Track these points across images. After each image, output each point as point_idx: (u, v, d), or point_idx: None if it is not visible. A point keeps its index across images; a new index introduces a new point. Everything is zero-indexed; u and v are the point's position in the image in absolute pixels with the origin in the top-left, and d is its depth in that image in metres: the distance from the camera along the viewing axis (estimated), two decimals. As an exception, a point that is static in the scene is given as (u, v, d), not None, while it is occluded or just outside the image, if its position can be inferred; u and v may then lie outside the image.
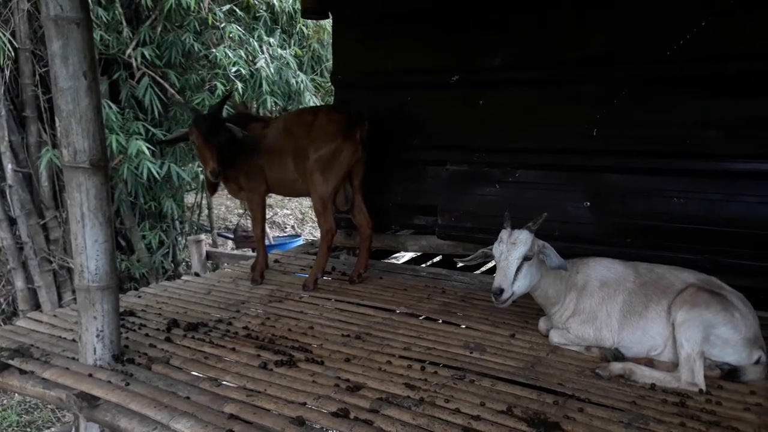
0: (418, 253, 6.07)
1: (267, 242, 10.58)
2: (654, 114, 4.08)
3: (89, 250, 3.03)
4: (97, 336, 3.09)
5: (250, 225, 12.36)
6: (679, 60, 3.95)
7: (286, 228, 13.10)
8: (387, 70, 5.19)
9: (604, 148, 4.24)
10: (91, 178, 2.99)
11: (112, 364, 3.12)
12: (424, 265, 5.68)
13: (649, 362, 3.11)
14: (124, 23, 8.41)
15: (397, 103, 5.15)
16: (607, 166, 4.25)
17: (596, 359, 3.20)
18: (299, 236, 11.10)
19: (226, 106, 8.53)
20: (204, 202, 10.72)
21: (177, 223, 9.99)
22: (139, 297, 4.37)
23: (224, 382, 2.96)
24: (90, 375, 3.01)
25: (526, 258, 3.10)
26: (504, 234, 3.17)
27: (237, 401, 2.75)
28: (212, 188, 4.54)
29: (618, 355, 3.18)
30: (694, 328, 2.93)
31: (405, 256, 6.75)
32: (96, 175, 3.00)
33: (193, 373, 3.08)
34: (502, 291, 3.05)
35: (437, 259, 6.17)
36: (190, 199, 10.79)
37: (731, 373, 2.97)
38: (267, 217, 13.29)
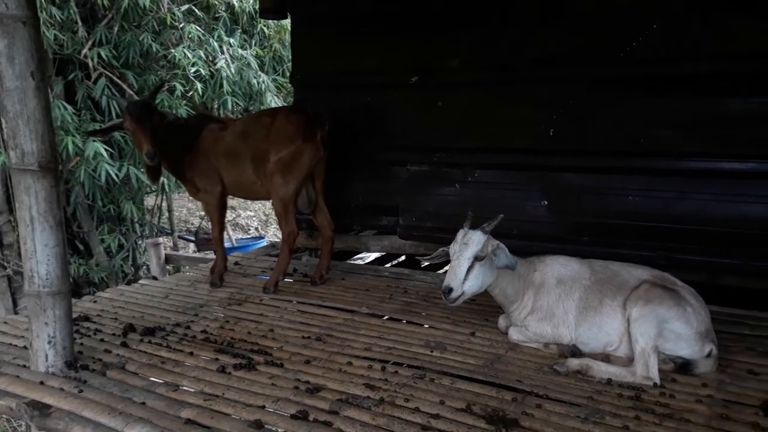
0: (383, 254, 6.07)
1: (230, 245, 10.52)
2: (608, 114, 4.16)
3: (39, 254, 2.94)
4: (49, 342, 3.01)
5: (209, 228, 12.25)
6: (632, 61, 4.03)
7: (249, 230, 12.98)
8: (346, 71, 5.18)
9: (560, 147, 4.31)
10: (40, 180, 2.90)
11: (65, 371, 3.04)
12: (388, 265, 5.69)
13: (606, 358, 3.16)
14: (80, 22, 8.23)
15: (358, 103, 5.14)
16: (564, 166, 4.32)
17: (555, 356, 3.25)
18: (263, 238, 11.00)
19: (186, 108, 8.55)
20: (164, 204, 10.53)
21: (137, 226, 9.81)
22: (95, 302, 4.27)
23: (181, 387, 2.91)
24: (41, 383, 2.92)
25: (478, 258, 3.12)
26: (459, 234, 3.20)
27: (194, 406, 2.70)
28: (152, 174, 4.46)
29: (576, 351, 3.22)
30: (648, 323, 2.99)
31: (371, 257, 6.74)
32: (45, 177, 2.91)
33: (150, 378, 3.02)
34: (451, 290, 3.08)
35: (402, 258, 6.18)
36: (150, 201, 10.61)
37: (684, 366, 3.04)
38: (230, 219, 13.18)
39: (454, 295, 3.10)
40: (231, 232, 11.78)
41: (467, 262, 3.13)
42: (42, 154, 2.89)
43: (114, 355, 3.27)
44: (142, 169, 8.54)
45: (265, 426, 2.53)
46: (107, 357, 3.25)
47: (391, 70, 4.95)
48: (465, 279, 3.13)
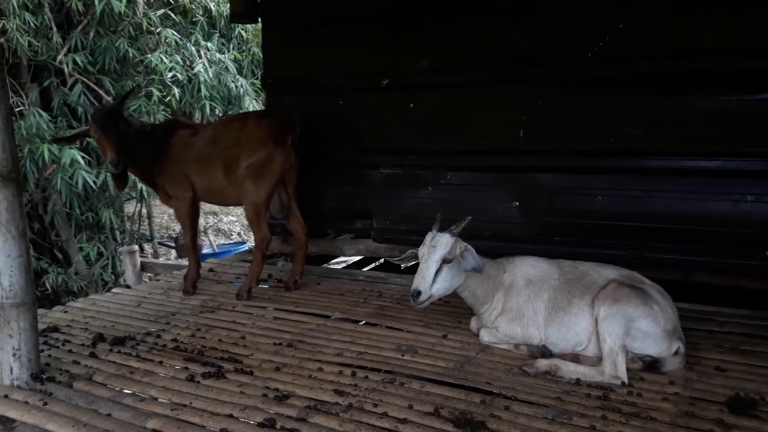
0: (361, 257, 6.06)
1: (211, 250, 10.46)
2: (577, 114, 4.18)
3: (2, 265, 2.91)
4: (14, 355, 2.97)
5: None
6: (600, 61, 4.06)
7: (232, 235, 12.91)
8: (318, 74, 5.17)
9: (530, 148, 4.32)
10: (2, 190, 2.87)
11: (31, 383, 3.00)
12: (366, 269, 5.68)
13: (575, 358, 3.18)
14: (54, 28, 8.16)
15: (329, 107, 5.13)
16: (534, 166, 4.34)
17: (525, 357, 3.25)
18: (245, 243, 10.94)
19: (164, 113, 8.50)
20: (144, 211, 10.46)
21: (117, 233, 9.73)
22: (65, 312, 4.22)
23: (148, 397, 2.88)
24: (6, 396, 2.89)
25: (446, 261, 3.12)
26: (428, 236, 3.20)
27: (161, 416, 2.68)
28: (118, 182, 4.43)
29: (546, 352, 3.23)
30: (616, 322, 3.01)
31: (349, 261, 6.73)
32: (7, 187, 2.88)
33: (118, 389, 2.99)
34: (419, 293, 3.08)
35: (380, 261, 6.17)
36: (130, 208, 10.53)
37: (652, 364, 3.06)
38: (212, 224, 13.12)
39: (422, 297, 3.11)
40: (213, 238, 11.72)
41: (435, 264, 3.13)
42: (3, 163, 2.86)
43: (82, 366, 3.23)
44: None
45: (232, 434, 2.52)
46: (75, 368, 3.21)
47: (363, 72, 4.95)
48: (433, 281, 3.13)
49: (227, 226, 13.24)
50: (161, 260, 9.83)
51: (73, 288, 8.62)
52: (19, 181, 2.95)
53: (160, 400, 2.86)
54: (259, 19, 5.66)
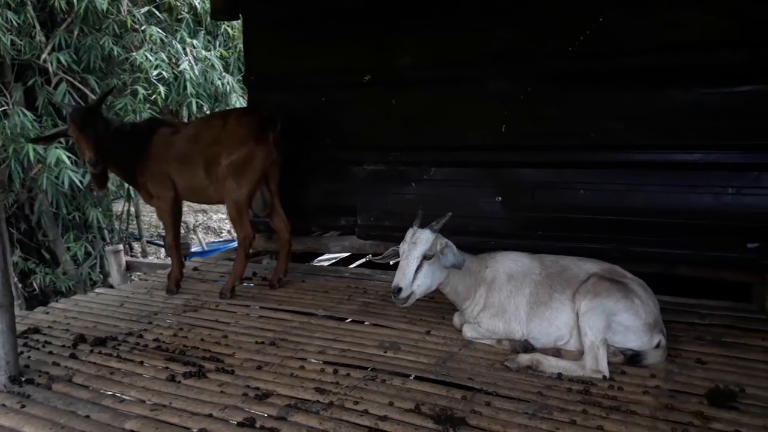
0: (348, 254, 6.04)
1: (200, 248, 10.43)
2: (559, 108, 4.18)
3: (-22, 268, 2.88)
4: (-9, 358, 2.95)
5: (182, 232, 12.15)
6: (581, 55, 4.05)
7: (222, 233, 12.87)
8: (300, 71, 5.14)
9: (513, 143, 4.31)
10: (-24, 193, 2.84)
11: (9, 386, 2.97)
12: (353, 266, 5.66)
13: (557, 352, 3.17)
14: (37, 27, 8.08)
15: (312, 103, 5.11)
16: (517, 161, 4.33)
17: (507, 352, 3.25)
18: (234, 241, 10.88)
19: (150, 111, 8.45)
20: (132, 210, 10.41)
21: (106, 232, 9.68)
22: (47, 313, 4.19)
23: (128, 398, 2.86)
24: (-17, 399, 2.86)
25: (426, 257, 3.12)
26: (408, 233, 3.19)
27: (139, 417, 2.66)
28: (98, 181, 4.41)
29: (528, 347, 3.23)
30: (597, 316, 3.01)
31: (336, 258, 6.72)
32: (-19, 189, 2.85)
33: (99, 390, 2.97)
34: (400, 290, 3.07)
35: (368, 258, 6.15)
36: (119, 207, 10.48)
37: (633, 358, 3.06)
38: (201, 221, 13.08)
39: (403, 294, 3.10)
40: (202, 236, 11.69)
41: (416, 261, 3.12)
42: (-23, 165, 2.83)
43: (62, 368, 3.21)
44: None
45: (210, 434, 2.50)
46: (55, 370, 3.18)
47: (344, 69, 4.92)
48: (414, 278, 3.12)
49: (217, 224, 13.21)
50: (150, 259, 9.80)
51: (61, 288, 8.57)
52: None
53: (139, 400, 2.84)
54: (240, 16, 5.62)
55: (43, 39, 8.13)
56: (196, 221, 13.04)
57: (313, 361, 3.24)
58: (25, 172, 7.94)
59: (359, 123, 4.92)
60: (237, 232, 4.41)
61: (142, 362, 3.25)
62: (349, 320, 3.93)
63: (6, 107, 7.92)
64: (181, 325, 3.85)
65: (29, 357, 3.35)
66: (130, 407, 2.76)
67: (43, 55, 8.09)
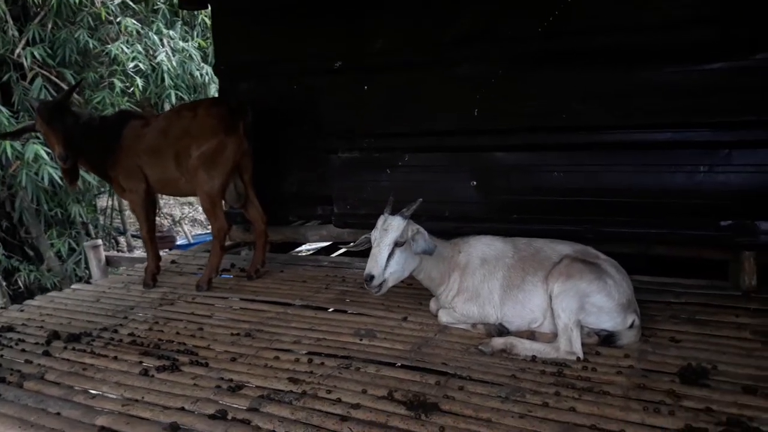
0: (329, 243, 6.02)
1: (186, 241, 10.38)
2: (530, 90, 4.14)
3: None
4: (-40, 357, 2.92)
5: (165, 225, 12.10)
6: (550, 36, 4.01)
7: (208, 226, 12.80)
8: (270, 59, 5.08)
9: (485, 127, 4.28)
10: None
11: (-21, 385, 2.95)
12: (334, 255, 5.64)
13: (531, 335, 3.18)
14: (10, 21, 7.96)
15: (284, 92, 5.06)
16: (490, 145, 4.31)
17: (482, 336, 3.25)
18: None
19: (128, 104, 8.37)
20: (117, 204, 10.34)
21: (90, 227, 9.61)
22: (22, 311, 4.16)
23: (100, 393, 2.84)
24: (-48, 399, 2.83)
25: (398, 244, 3.10)
26: (380, 220, 3.18)
27: (111, 412, 2.64)
28: (68, 176, 4.34)
29: (502, 330, 3.23)
30: (570, 298, 3.01)
31: (316, 247, 6.70)
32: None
33: (71, 387, 2.94)
34: (372, 277, 3.06)
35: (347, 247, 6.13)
36: (103, 202, 10.40)
37: (608, 338, 3.07)
38: (187, 214, 13.01)
39: (375, 282, 3.09)
40: (188, 228, 11.64)
41: (387, 248, 3.11)
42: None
43: (34, 366, 3.18)
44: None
45: (181, 428, 2.49)
46: (27, 368, 3.15)
47: (315, 56, 4.87)
48: (386, 265, 3.11)
49: (203, 216, 13.13)
50: (137, 253, 9.74)
51: (46, 285, 8.51)
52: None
53: (111, 396, 2.82)
54: (209, 5, 5.55)
55: (17, 33, 8.02)
56: (182, 214, 12.98)
57: (287, 351, 3.23)
58: (4, 169, 7.86)
59: (332, 110, 4.87)
60: (212, 224, 4.38)
61: (116, 357, 3.23)
62: (331, 309, 3.91)
63: (-19, 103, 7.82)
64: (156, 318, 3.83)
65: (1, 356, 3.32)
66: (102, 403, 2.74)
67: (17, 50, 7.98)
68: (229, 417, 2.54)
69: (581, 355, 2.93)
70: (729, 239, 3.79)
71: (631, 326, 3.11)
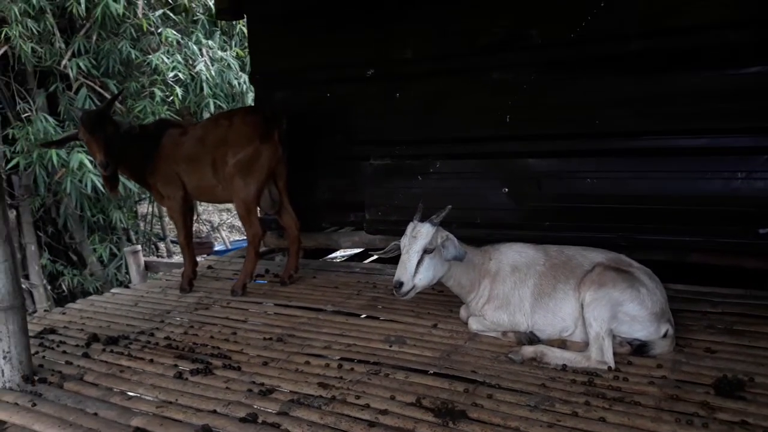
0: (361, 249, 6.05)
1: (224, 247, 10.54)
2: (562, 97, 4.12)
3: (-12, 270, 2.96)
4: (4, 358, 3.02)
5: (204, 231, 12.31)
6: (582, 41, 3.99)
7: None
8: (304, 68, 5.16)
9: (517, 133, 4.28)
10: (-17, 197, 2.91)
11: (22, 385, 3.05)
12: (366, 261, 5.67)
13: (563, 344, 3.15)
14: (57, 33, 8.25)
15: (317, 99, 5.14)
16: (522, 152, 4.30)
17: (513, 344, 3.23)
18: (258, 239, 10.99)
19: (168, 113, 8.58)
20: (157, 211, 10.59)
21: (131, 233, 9.87)
22: (64, 314, 4.29)
23: (136, 395, 2.92)
24: (-3, 398, 2.94)
25: (427, 251, 3.11)
26: (409, 227, 3.19)
27: (146, 414, 2.71)
28: (109, 183, 4.47)
29: (533, 339, 3.21)
30: (602, 307, 2.97)
31: (350, 253, 6.74)
32: (-12, 193, 2.93)
33: (109, 388, 3.02)
34: (401, 284, 3.07)
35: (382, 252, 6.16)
36: (144, 209, 10.67)
37: (640, 348, 3.02)
38: (226, 220, 13.22)
39: (404, 288, 3.11)
40: (226, 234, 11.83)
41: (417, 255, 3.13)
42: (-16, 171, 2.90)
43: (74, 367, 3.28)
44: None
45: (213, 430, 2.53)
46: (67, 369, 3.25)
47: (348, 64, 4.93)
48: (415, 272, 3.13)
49: (240, 222, 13.32)
50: (174, 259, 9.94)
51: (89, 289, 8.76)
52: (1, 187, 2.98)
53: (147, 397, 2.89)
54: (245, 16, 5.66)
55: (63, 45, 8.30)
56: (221, 220, 13.19)
57: (318, 356, 3.26)
58: (50, 177, 8.13)
59: (364, 117, 4.92)
60: (246, 230, 4.47)
61: (152, 360, 3.31)
62: (364, 316, 3.94)
63: (29, 113, 8.12)
64: (192, 322, 3.91)
65: (44, 357, 3.43)
66: (138, 404, 2.81)
67: (64, 61, 8.26)
68: (260, 420, 2.58)
69: (613, 365, 2.88)
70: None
71: (665, 336, 3.05)
